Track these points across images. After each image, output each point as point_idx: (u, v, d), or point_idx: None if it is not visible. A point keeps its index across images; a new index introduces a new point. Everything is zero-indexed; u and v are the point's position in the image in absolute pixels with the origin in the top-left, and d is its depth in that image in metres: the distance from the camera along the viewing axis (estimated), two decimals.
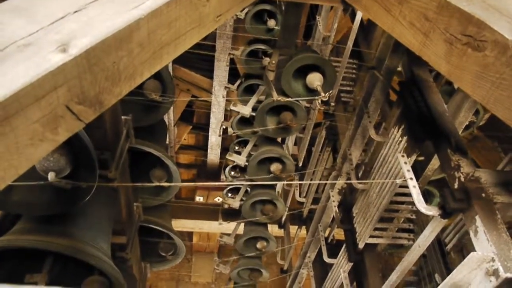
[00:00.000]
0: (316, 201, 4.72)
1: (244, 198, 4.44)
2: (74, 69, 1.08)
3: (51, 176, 1.79)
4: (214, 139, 7.25)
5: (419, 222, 3.06)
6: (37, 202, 2.05)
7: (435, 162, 3.14)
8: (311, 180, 4.71)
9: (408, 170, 2.20)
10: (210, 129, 7.11)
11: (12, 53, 1.02)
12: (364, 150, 3.60)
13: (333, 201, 3.50)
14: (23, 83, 0.97)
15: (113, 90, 1.25)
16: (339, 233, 4.52)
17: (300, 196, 5.16)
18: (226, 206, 4.55)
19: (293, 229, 5.67)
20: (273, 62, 2.86)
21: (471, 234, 1.78)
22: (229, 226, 5.43)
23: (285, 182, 4.01)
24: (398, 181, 2.38)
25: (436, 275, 2.76)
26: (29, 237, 2.17)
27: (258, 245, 4.30)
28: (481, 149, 5.84)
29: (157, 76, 3.52)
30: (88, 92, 1.16)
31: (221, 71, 6.22)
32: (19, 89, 0.96)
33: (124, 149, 2.65)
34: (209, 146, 7.44)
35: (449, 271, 2.91)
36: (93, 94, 1.18)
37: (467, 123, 3.02)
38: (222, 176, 5.14)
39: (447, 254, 2.96)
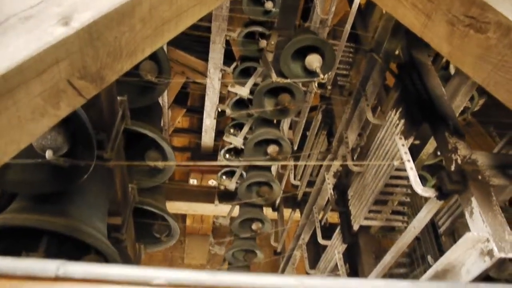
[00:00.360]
0: (310, 184, 4.74)
1: (239, 181, 4.45)
2: (76, 43, 1.06)
3: (48, 154, 1.78)
4: (209, 122, 7.23)
5: (413, 205, 3.10)
6: (34, 181, 2.04)
7: (429, 147, 3.16)
8: (306, 162, 4.73)
9: (406, 152, 2.21)
10: (204, 112, 7.08)
11: (13, 25, 1.01)
12: (359, 134, 3.61)
13: (329, 183, 3.53)
14: (25, 56, 0.96)
15: (114, 66, 1.24)
16: (332, 217, 4.57)
17: (294, 179, 5.17)
18: (222, 187, 4.56)
19: (286, 212, 5.70)
20: (272, 43, 2.84)
21: (467, 215, 1.81)
22: (222, 209, 5.45)
23: (281, 163, 4.02)
24: (395, 163, 2.40)
25: (429, 257, 2.81)
26: (26, 215, 2.17)
27: (254, 227, 4.33)
28: (473, 135, 5.89)
29: (153, 57, 3.48)
30: (89, 67, 1.14)
31: (216, 53, 6.16)
32: (21, 62, 0.95)
33: (119, 129, 2.64)
34: (203, 129, 7.42)
35: (442, 253, 2.95)
36: (95, 69, 1.17)
37: (462, 108, 3.04)
38: (219, 158, 5.14)
39: (440, 237, 3.01)
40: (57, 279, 0.95)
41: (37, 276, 0.94)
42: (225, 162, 4.77)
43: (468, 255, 1.72)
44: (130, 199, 3.29)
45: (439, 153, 3.91)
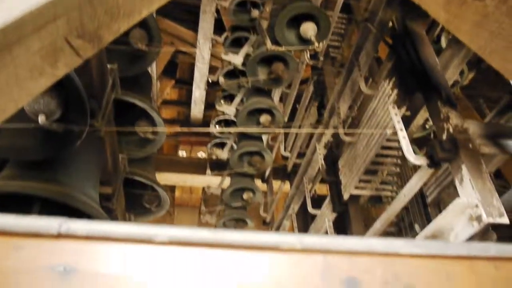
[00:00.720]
0: (300, 156, 4.78)
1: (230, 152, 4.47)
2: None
3: (41, 118, 1.76)
4: (198, 94, 7.15)
5: (403, 175, 3.16)
6: (26, 146, 2.02)
7: (419, 118, 3.20)
8: (297, 133, 4.75)
9: (398, 121, 2.24)
10: (194, 83, 6.99)
11: None
12: (350, 106, 3.63)
13: (320, 154, 3.56)
14: (22, 11, 0.93)
15: (111, 26, 1.22)
16: (320, 189, 4.64)
17: (285, 150, 5.21)
18: (213, 157, 4.58)
19: (276, 184, 5.76)
20: (267, 10, 2.79)
21: (457, 182, 1.85)
22: (212, 180, 5.49)
23: (272, 130, 4.03)
24: (388, 131, 2.43)
25: (416, 226, 2.89)
26: (18, 182, 2.15)
27: (245, 196, 4.38)
28: (461, 109, 5.96)
29: (143, 25, 3.42)
30: (87, 26, 1.12)
31: (206, 23, 6.03)
32: (19, 17, 0.92)
33: (110, 98, 2.61)
34: (192, 101, 7.34)
35: (429, 222, 3.02)
36: (92, 28, 1.14)
37: (452, 81, 3.06)
38: (211, 127, 5.15)
39: (428, 206, 3.08)
40: (59, 236, 0.95)
41: (39, 233, 0.94)
42: (216, 129, 4.77)
43: (457, 221, 1.77)
44: (121, 169, 3.29)
45: (427, 126, 3.97)
